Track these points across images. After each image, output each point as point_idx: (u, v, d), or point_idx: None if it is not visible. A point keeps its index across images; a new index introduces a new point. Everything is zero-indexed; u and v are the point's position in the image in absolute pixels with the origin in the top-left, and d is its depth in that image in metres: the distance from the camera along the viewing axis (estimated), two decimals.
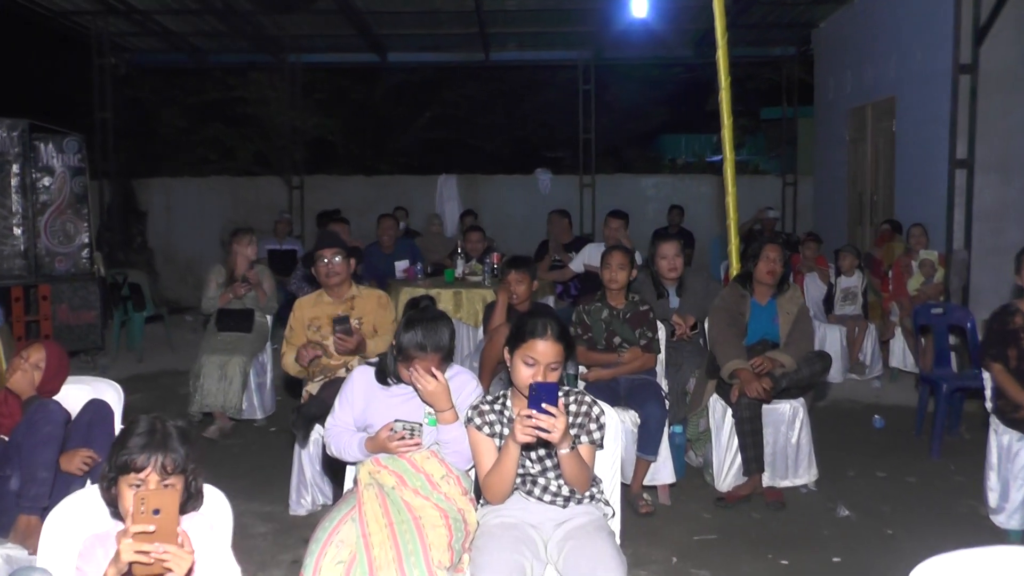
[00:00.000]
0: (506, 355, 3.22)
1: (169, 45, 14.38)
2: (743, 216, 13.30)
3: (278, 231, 12.08)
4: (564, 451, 2.99)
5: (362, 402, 3.45)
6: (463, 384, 3.43)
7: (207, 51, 14.92)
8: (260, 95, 17.04)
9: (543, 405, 2.85)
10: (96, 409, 3.82)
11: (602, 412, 3.25)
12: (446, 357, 3.31)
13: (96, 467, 3.69)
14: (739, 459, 5.31)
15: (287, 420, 6.08)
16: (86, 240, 9.51)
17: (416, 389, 3.30)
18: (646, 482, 5.26)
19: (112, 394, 3.98)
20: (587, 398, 3.26)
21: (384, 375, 3.46)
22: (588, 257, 8.35)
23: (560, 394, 3.08)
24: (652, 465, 5.22)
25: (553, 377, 3.09)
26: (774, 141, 19.13)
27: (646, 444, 5.11)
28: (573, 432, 3.14)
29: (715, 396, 5.52)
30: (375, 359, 3.59)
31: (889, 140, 10.66)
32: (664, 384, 5.63)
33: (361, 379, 3.50)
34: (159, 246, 15.49)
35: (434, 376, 3.20)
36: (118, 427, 3.84)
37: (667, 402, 5.32)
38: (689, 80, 20.50)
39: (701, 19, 12.33)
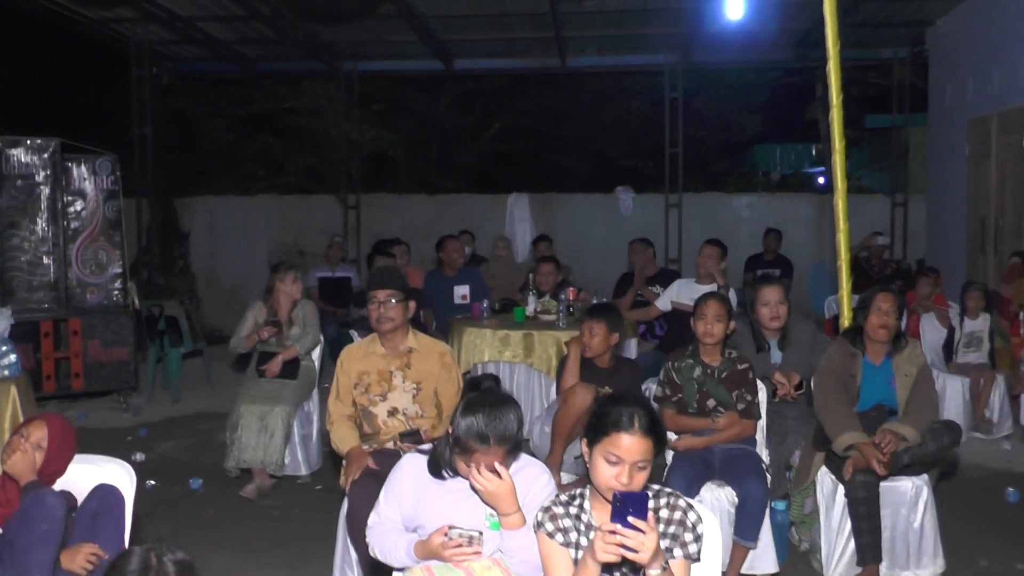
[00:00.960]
0: (584, 448, 2.97)
1: (214, 53, 14.46)
2: (850, 243, 13.03)
3: (330, 256, 12.01)
4: (654, 572, 2.71)
5: (412, 497, 3.24)
6: (532, 479, 3.19)
7: (255, 59, 15.00)
8: (313, 105, 17.03)
9: (629, 519, 2.58)
10: (104, 496, 3.61)
11: (699, 519, 2.96)
12: (512, 449, 3.08)
13: (103, 564, 3.48)
14: (852, 545, 5.02)
15: (334, 477, 5.94)
16: (119, 270, 9.54)
17: (475, 489, 3.07)
18: (744, 570, 4.97)
19: (123, 476, 3.76)
20: (681, 501, 2.97)
21: (438, 466, 3.23)
22: (677, 295, 8.15)
23: (649, 495, 2.81)
24: (751, 552, 4.92)
25: (640, 478, 2.83)
26: (880, 154, 18.65)
27: (745, 528, 4.82)
28: (664, 544, 2.86)
29: (824, 470, 5.24)
30: (428, 445, 3.36)
31: (1018, 157, 10.19)
32: (764, 455, 5.35)
33: (411, 470, 3.28)
34: (202, 270, 15.62)
35: (497, 474, 2.98)
36: (129, 516, 3.64)
37: (768, 476, 5.06)
38: (787, 85, 20.19)
39: (802, 18, 12.06)
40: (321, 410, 7.17)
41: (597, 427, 2.91)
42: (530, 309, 8.38)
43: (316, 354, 7.35)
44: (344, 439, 4.91)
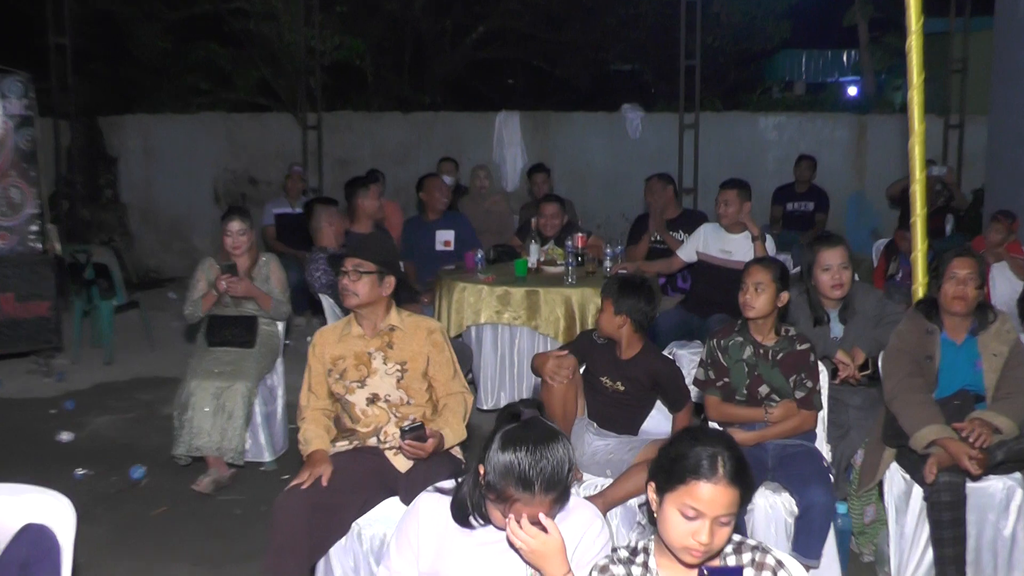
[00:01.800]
0: (651, 495, 2.77)
1: None
2: (894, 172, 12.87)
3: (289, 189, 11.82)
4: None
5: (432, 550, 3.05)
6: (582, 526, 3.01)
7: None
8: (266, 7, 16.62)
9: None
10: (34, 541, 3.15)
11: None
12: (561, 497, 2.87)
13: None
14: (929, 556, 4.87)
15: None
16: (36, 210, 9.27)
17: (514, 546, 2.86)
18: None
19: (58, 512, 3.32)
20: (769, 558, 2.77)
21: (464, 512, 3.03)
22: (704, 244, 7.94)
23: (729, 549, 2.59)
24: (812, 570, 4.75)
25: (723, 535, 2.64)
26: (932, 66, 18.38)
27: (806, 543, 4.66)
28: None
29: (894, 467, 5.09)
30: (448, 483, 3.14)
31: None
32: (826, 451, 5.21)
33: (431, 516, 3.09)
34: (135, 202, 15.39)
35: (543, 528, 2.78)
36: (68, 565, 3.26)
37: (832, 478, 4.92)
38: None
39: None
40: (288, 383, 7.08)
41: (670, 472, 2.72)
42: (532, 260, 8.21)
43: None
44: (309, 439, 4.83)
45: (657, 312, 5.42)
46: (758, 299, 5.01)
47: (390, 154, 14.77)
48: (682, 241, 8.49)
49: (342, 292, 4.94)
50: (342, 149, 15.03)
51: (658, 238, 8.99)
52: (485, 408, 7.61)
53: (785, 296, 5.09)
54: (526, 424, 2.96)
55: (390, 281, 4.95)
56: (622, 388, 5.21)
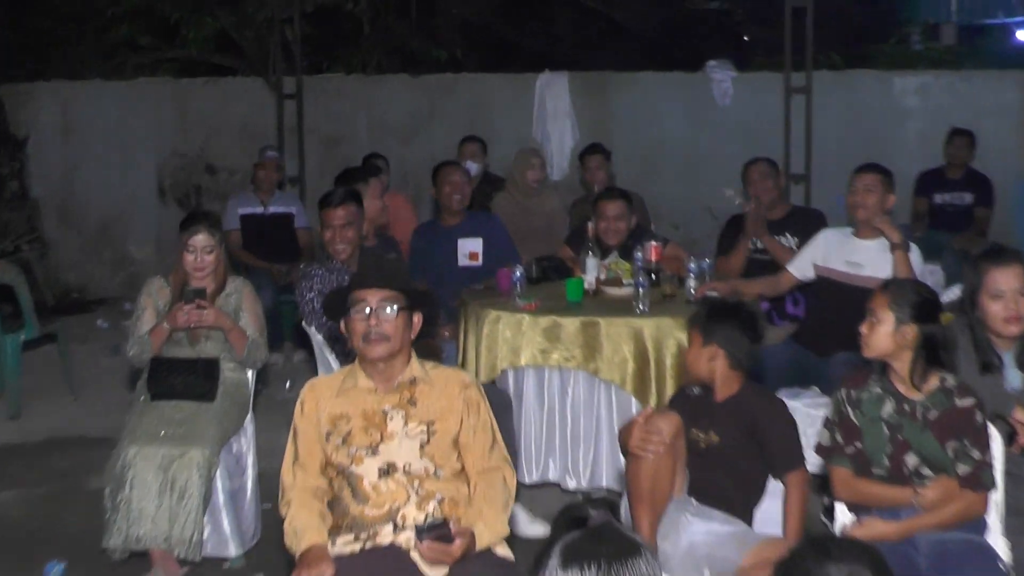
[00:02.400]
0: None
1: None
2: None
3: (260, 180, 11.90)
4: None
5: None
6: None
7: None
8: None
9: None
10: None
11: None
12: None
13: None
14: None
15: (282, 556, 5.84)
16: None
17: None
18: None
19: None
20: None
21: None
22: (824, 254, 7.86)
23: None
24: None
25: None
26: None
27: None
28: None
29: None
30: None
31: None
32: (1001, 547, 5.13)
33: None
34: (50, 196, 15.56)
35: None
36: None
37: None
38: None
39: None
40: (261, 445, 7.17)
41: None
42: (589, 279, 8.10)
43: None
44: (301, 530, 4.83)
45: (760, 346, 5.49)
46: (872, 334, 5.05)
47: (394, 130, 14.78)
48: (793, 250, 8.47)
49: (365, 339, 4.94)
50: (330, 124, 15.03)
51: (760, 246, 8.92)
52: (528, 483, 7.52)
53: (910, 331, 5.04)
54: (594, 534, 3.01)
55: (418, 319, 5.04)
56: (716, 439, 5.25)
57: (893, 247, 7.38)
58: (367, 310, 4.92)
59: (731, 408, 5.26)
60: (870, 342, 5.04)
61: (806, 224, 8.63)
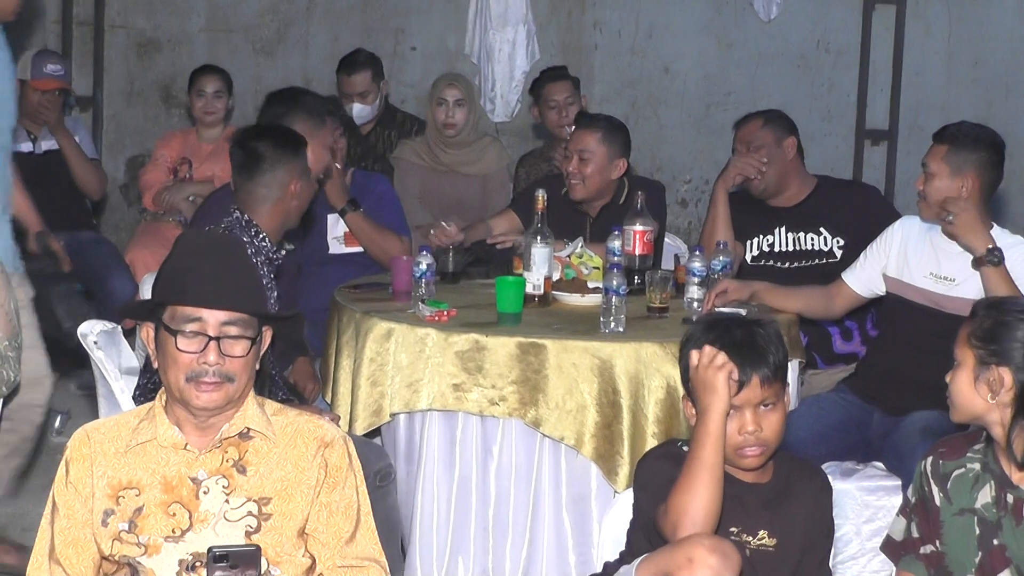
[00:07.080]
0: None
1: None
2: None
3: (31, 106, 9.73)
4: None
5: None
6: None
7: None
8: None
9: None
10: None
11: None
12: None
13: None
14: None
15: None
16: None
17: None
18: None
19: None
20: None
21: None
22: (899, 259, 6.16)
23: None
24: None
25: None
26: None
27: None
28: None
29: None
30: None
31: None
32: None
33: None
34: None
35: None
36: None
37: None
38: None
39: None
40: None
41: None
42: (536, 278, 6.21)
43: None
44: None
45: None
46: (953, 385, 4.33)
47: (242, 31, 12.00)
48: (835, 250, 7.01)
49: (185, 373, 3.95)
50: (141, 17, 12.25)
51: (771, 247, 7.25)
52: None
53: (1005, 378, 4.21)
54: None
55: (268, 334, 4.15)
56: (772, 542, 4.24)
57: (975, 261, 5.86)
58: (203, 338, 3.90)
59: (784, 492, 4.30)
60: (952, 397, 4.37)
61: (874, 211, 6.96)
